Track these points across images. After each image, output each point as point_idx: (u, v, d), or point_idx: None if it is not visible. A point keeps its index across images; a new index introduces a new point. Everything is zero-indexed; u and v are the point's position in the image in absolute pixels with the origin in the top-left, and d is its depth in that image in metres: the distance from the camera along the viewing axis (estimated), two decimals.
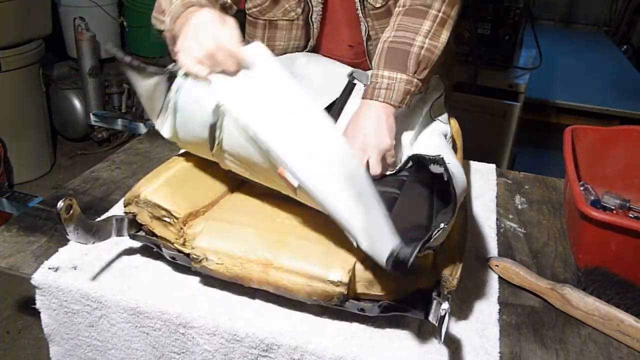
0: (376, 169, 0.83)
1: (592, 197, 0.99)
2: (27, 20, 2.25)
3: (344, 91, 0.99)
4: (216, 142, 0.75)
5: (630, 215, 0.99)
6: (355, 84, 1.00)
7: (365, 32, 1.04)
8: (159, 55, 2.86)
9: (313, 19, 1.04)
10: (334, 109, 0.97)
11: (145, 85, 0.79)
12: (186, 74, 0.76)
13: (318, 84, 1.01)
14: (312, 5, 1.02)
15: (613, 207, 0.99)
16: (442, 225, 0.64)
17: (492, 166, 1.16)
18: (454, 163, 0.76)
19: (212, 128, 0.74)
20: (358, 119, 0.87)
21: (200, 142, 0.77)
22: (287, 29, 1.06)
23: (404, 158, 0.89)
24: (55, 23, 2.54)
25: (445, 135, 0.94)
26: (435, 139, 0.91)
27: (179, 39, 0.76)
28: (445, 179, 0.70)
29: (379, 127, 0.85)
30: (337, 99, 0.98)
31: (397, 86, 0.86)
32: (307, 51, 1.09)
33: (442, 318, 0.61)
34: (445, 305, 0.61)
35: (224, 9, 0.94)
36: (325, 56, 1.11)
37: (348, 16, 1.03)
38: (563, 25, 3.33)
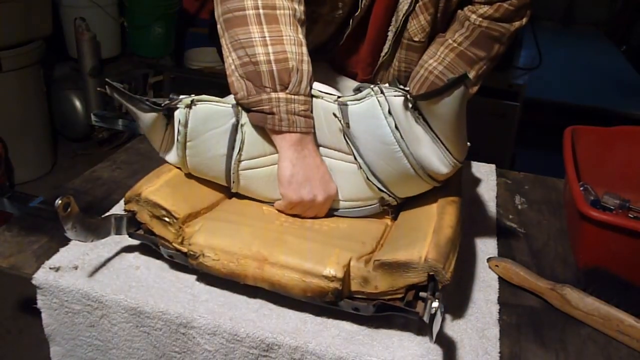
0: None
1: (592, 197, 0.99)
2: (28, 20, 2.25)
3: None
4: (236, 148, 0.77)
5: (630, 215, 0.99)
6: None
7: (385, 54, 1.00)
8: (159, 55, 2.86)
9: (353, 19, 0.96)
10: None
11: (143, 117, 0.79)
12: (188, 106, 0.76)
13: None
14: (361, 7, 0.93)
15: (613, 207, 0.99)
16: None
17: (492, 166, 1.16)
18: None
19: (234, 130, 0.77)
20: None
21: (217, 161, 0.80)
22: (327, 24, 0.96)
23: None
24: (56, 23, 2.55)
25: None
26: None
27: (292, 162, 0.76)
28: None
29: None
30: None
31: None
32: (328, 50, 1.04)
33: (433, 316, 0.61)
34: (435, 304, 0.61)
35: None
36: (335, 64, 1.07)
37: (376, 32, 0.98)
38: (562, 26, 3.33)
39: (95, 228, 0.74)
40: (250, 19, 0.74)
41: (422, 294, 0.67)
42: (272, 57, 0.73)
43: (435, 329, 0.61)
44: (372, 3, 0.95)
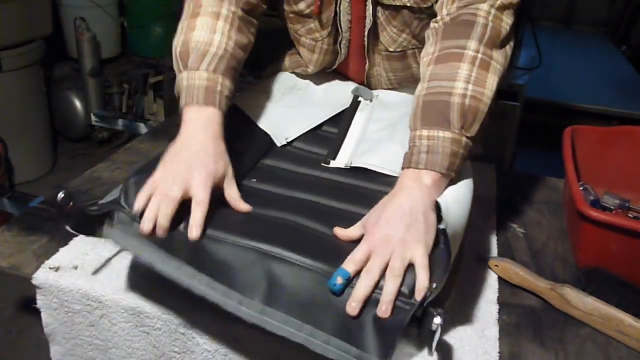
0: (394, 282, 0.63)
1: (592, 197, 0.99)
2: (27, 20, 2.25)
3: (349, 109, 1.00)
4: None
5: (630, 215, 0.99)
6: (360, 102, 1.01)
7: (368, 67, 1.01)
8: (159, 55, 2.86)
9: (342, 45, 0.98)
10: (342, 123, 0.97)
11: None
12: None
13: (321, 98, 1.02)
14: (342, 30, 0.95)
15: (612, 207, 0.99)
16: (434, 285, 0.62)
17: (492, 166, 1.16)
18: (460, 198, 0.73)
19: None
20: (389, 200, 0.69)
21: None
22: (309, 50, 1.00)
23: None
24: (56, 23, 2.54)
25: None
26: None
27: (171, 149, 0.74)
28: (442, 245, 0.66)
29: (414, 213, 0.66)
30: (342, 115, 0.99)
31: (442, 147, 0.70)
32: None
33: (434, 333, 0.60)
34: (438, 320, 0.59)
35: (250, 9, 0.91)
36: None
37: (358, 47, 0.99)
38: (562, 26, 3.33)
39: (97, 222, 0.74)
40: (183, 15, 0.87)
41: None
42: (180, 42, 0.83)
43: (435, 342, 0.60)
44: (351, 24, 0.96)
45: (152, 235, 0.67)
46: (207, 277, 0.63)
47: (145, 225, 0.67)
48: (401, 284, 0.63)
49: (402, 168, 0.73)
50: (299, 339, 0.59)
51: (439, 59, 0.76)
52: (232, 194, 0.75)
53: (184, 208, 0.70)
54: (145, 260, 0.65)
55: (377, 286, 0.64)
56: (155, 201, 0.68)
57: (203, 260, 0.66)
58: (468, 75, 0.73)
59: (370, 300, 0.63)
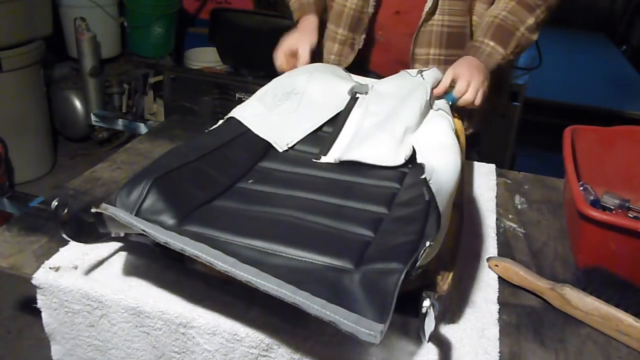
0: (472, 96, 1.02)
1: (592, 197, 0.99)
2: (28, 20, 2.26)
3: (346, 108, 1.01)
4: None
5: (630, 215, 0.99)
6: (358, 98, 1.01)
7: (430, 7, 1.09)
8: (159, 55, 2.86)
9: None
10: (339, 119, 0.99)
11: None
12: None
13: (319, 101, 1.02)
14: None
15: (612, 207, 0.99)
16: (427, 243, 0.62)
17: (492, 166, 1.16)
18: (447, 166, 0.76)
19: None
20: (466, 58, 1.06)
21: None
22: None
23: (408, 147, 0.89)
24: (56, 23, 2.55)
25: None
26: (443, 137, 0.89)
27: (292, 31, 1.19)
28: (427, 198, 0.69)
29: (481, 69, 1.05)
30: (340, 115, 1.00)
31: (495, 57, 1.07)
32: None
33: (424, 315, 0.60)
34: (427, 303, 0.60)
35: None
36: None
37: None
38: (562, 26, 3.34)
39: (93, 230, 0.74)
40: None
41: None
42: None
43: (428, 328, 0.60)
44: None
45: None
46: (202, 244, 0.64)
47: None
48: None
49: (466, 55, 1.08)
50: (295, 301, 0.58)
51: (521, 2, 1.09)
52: (304, 54, 1.13)
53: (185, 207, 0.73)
54: (147, 231, 0.65)
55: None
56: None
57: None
58: (530, 26, 1.09)
59: (361, 270, 0.64)
